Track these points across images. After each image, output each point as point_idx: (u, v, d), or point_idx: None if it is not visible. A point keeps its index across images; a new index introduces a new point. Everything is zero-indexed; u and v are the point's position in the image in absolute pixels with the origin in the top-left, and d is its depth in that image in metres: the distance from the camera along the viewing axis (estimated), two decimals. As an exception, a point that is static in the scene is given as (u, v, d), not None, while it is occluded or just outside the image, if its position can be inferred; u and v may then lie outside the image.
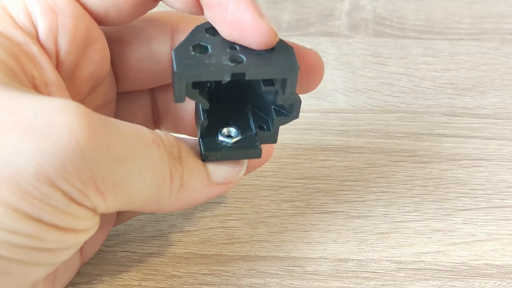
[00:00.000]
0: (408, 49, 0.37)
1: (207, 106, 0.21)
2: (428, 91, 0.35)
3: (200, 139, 0.22)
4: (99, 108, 0.24)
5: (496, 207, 0.28)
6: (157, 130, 0.22)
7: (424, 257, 0.26)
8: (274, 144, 0.24)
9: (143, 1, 0.23)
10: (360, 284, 0.25)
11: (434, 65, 0.36)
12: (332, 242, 0.27)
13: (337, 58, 0.37)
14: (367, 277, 0.25)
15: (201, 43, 0.20)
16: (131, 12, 0.23)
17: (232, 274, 0.25)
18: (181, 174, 0.21)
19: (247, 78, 0.20)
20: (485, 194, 0.29)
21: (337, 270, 0.25)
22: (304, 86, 0.23)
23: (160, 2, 0.23)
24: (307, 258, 0.26)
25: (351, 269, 0.25)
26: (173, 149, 0.21)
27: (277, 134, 0.23)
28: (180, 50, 0.20)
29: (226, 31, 0.20)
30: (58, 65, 0.22)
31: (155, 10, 0.24)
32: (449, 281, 0.25)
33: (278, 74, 0.20)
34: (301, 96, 0.22)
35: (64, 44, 0.22)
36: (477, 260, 0.26)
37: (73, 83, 0.23)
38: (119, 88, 0.25)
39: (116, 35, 0.25)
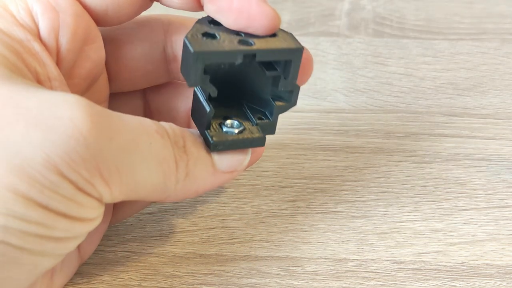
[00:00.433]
0: (408, 49, 0.37)
1: (215, 93, 0.22)
2: (428, 91, 0.35)
3: (206, 131, 0.22)
4: None
5: (496, 207, 0.28)
6: (161, 122, 0.22)
7: (424, 257, 0.26)
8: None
9: (141, 1, 0.23)
10: (360, 284, 0.25)
11: (434, 65, 0.36)
12: (332, 242, 0.27)
13: (337, 58, 0.37)
14: (367, 277, 0.25)
15: (208, 32, 0.21)
16: (129, 11, 0.23)
17: (232, 274, 0.25)
18: (186, 163, 0.22)
19: (257, 59, 0.21)
20: (485, 194, 0.29)
21: (337, 270, 0.25)
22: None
23: (154, 4, 0.24)
24: (307, 258, 0.26)
25: (351, 269, 0.25)
26: (178, 139, 0.22)
27: (276, 124, 0.23)
28: (191, 37, 0.21)
29: (232, 20, 0.21)
30: (58, 62, 0.22)
31: (147, 12, 0.25)
32: (449, 281, 0.25)
33: (286, 55, 0.21)
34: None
35: (64, 42, 0.22)
36: (477, 260, 0.26)
37: (71, 81, 0.23)
38: (112, 89, 0.26)
39: (110, 35, 0.25)
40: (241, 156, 0.23)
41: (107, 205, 0.22)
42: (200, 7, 0.23)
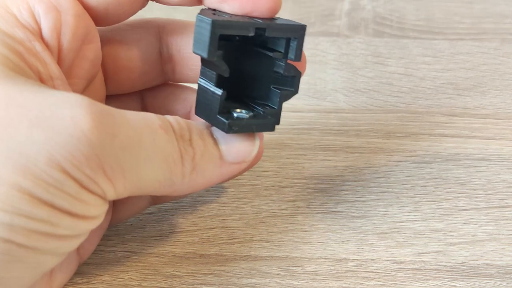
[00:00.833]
0: (408, 49, 0.37)
1: (227, 72, 0.22)
2: (428, 91, 0.35)
3: (219, 115, 0.22)
4: None
5: (496, 207, 0.28)
6: (166, 115, 0.22)
7: (424, 257, 0.26)
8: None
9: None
10: (360, 284, 0.25)
11: (434, 65, 0.36)
12: (332, 242, 0.27)
13: (337, 58, 0.37)
14: (367, 277, 0.25)
15: (217, 13, 0.22)
16: (128, 9, 0.24)
17: (232, 274, 0.25)
18: (192, 156, 0.22)
19: (267, 34, 0.21)
20: (485, 194, 0.29)
21: (337, 270, 0.25)
22: None
23: (149, 6, 0.24)
24: (307, 258, 0.26)
25: (351, 269, 0.25)
26: (184, 132, 0.22)
27: (281, 113, 0.23)
28: (203, 13, 0.21)
29: (238, 5, 0.22)
30: (58, 61, 0.22)
31: (142, 13, 0.25)
32: (449, 281, 0.25)
33: (291, 31, 0.22)
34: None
35: (65, 42, 0.22)
36: (477, 260, 0.26)
37: (69, 81, 0.23)
38: (109, 90, 0.26)
39: (107, 36, 0.25)
40: (249, 146, 0.23)
41: None
42: (198, 1, 0.23)
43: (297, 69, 0.23)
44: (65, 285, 0.24)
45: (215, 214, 0.28)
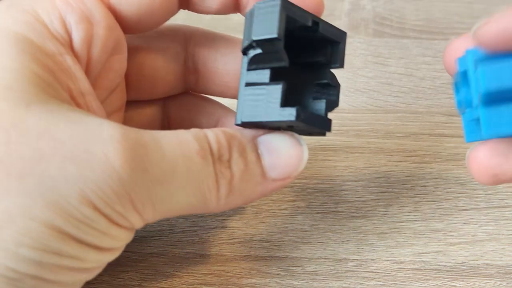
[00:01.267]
0: (408, 49, 0.37)
1: (287, 62, 0.21)
2: (428, 91, 0.35)
3: (282, 107, 0.21)
4: (107, 117, 0.24)
5: (496, 207, 0.28)
6: (209, 129, 0.21)
7: (424, 257, 0.26)
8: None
9: (172, 8, 0.23)
10: (360, 284, 0.25)
11: (434, 65, 0.36)
12: (332, 242, 0.27)
13: (337, 58, 0.37)
14: (367, 277, 0.25)
15: None
16: (160, 19, 0.23)
17: (232, 274, 0.25)
18: (229, 180, 0.21)
19: (320, 29, 0.22)
20: (485, 194, 0.29)
21: (337, 270, 0.25)
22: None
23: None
24: (307, 258, 0.26)
25: (351, 269, 0.25)
26: (223, 153, 0.21)
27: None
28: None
29: None
30: (86, 73, 0.22)
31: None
32: (449, 281, 0.25)
33: (338, 35, 0.23)
34: None
35: (95, 54, 0.22)
36: (477, 260, 0.26)
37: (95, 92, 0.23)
38: (129, 97, 0.25)
39: (133, 43, 0.25)
40: (296, 159, 0.22)
41: None
42: (237, 9, 0.23)
43: (337, 80, 0.23)
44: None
45: (215, 214, 0.28)
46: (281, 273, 0.25)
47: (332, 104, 0.23)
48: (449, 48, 0.21)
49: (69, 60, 0.21)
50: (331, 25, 0.22)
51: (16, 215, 0.17)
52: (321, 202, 0.28)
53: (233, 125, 0.22)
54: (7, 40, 0.19)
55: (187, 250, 0.26)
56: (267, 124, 0.21)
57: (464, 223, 0.27)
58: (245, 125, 0.22)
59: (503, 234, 0.27)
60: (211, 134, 0.21)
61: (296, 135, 0.22)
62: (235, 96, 0.25)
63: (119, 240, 0.20)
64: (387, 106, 0.34)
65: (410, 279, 0.25)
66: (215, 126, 0.26)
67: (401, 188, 0.29)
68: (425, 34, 0.39)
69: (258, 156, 0.22)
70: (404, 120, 0.33)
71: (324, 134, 0.23)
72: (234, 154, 0.21)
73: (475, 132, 0.20)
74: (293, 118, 0.20)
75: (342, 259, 0.26)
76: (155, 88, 0.26)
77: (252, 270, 0.25)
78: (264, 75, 0.21)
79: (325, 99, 0.23)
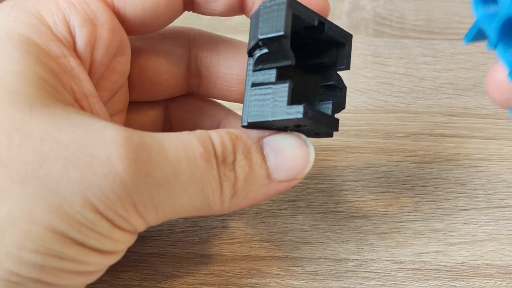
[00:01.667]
0: (408, 49, 0.37)
1: (294, 60, 0.21)
2: (428, 91, 0.35)
3: (289, 105, 0.21)
4: (110, 118, 0.24)
5: (496, 207, 0.28)
6: (214, 130, 0.21)
7: (424, 257, 0.26)
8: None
9: (177, 10, 0.23)
10: (360, 284, 0.25)
11: (434, 65, 0.36)
12: (332, 242, 0.27)
13: (337, 58, 0.37)
14: (367, 277, 0.25)
15: None
16: (164, 21, 0.23)
17: (232, 274, 0.25)
18: (233, 183, 0.21)
19: (326, 29, 0.22)
20: (485, 194, 0.29)
21: (337, 270, 0.25)
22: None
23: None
24: (307, 258, 0.26)
25: (351, 269, 0.25)
26: (227, 155, 0.21)
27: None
28: None
29: None
30: (90, 76, 0.22)
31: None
32: (449, 281, 0.25)
33: (343, 36, 0.23)
34: None
35: (99, 56, 0.22)
36: (477, 260, 0.26)
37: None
38: (131, 98, 0.25)
39: (137, 45, 0.25)
40: (302, 161, 0.22)
41: None
42: (242, 11, 0.23)
43: (343, 82, 0.23)
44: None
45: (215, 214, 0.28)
46: (281, 273, 0.25)
47: (339, 106, 0.23)
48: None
49: (72, 62, 0.20)
50: (336, 26, 0.22)
51: (18, 219, 0.17)
52: (321, 202, 0.28)
53: (235, 127, 0.22)
54: (12, 42, 0.19)
55: (187, 250, 0.26)
56: (274, 124, 0.21)
57: (464, 223, 0.27)
58: (251, 126, 0.22)
59: (503, 234, 0.27)
60: (216, 135, 0.21)
61: (303, 136, 0.22)
62: (236, 100, 0.26)
63: (121, 243, 0.20)
64: (387, 106, 0.34)
65: (410, 279, 0.25)
66: (216, 128, 0.26)
67: (401, 188, 0.29)
68: (425, 34, 0.39)
69: (263, 157, 0.21)
70: (404, 120, 0.33)
71: (331, 135, 0.23)
72: (238, 156, 0.21)
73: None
74: (300, 115, 0.20)
75: (342, 259, 0.26)
76: (157, 90, 0.25)
77: (252, 270, 0.25)
78: (270, 75, 0.21)
79: (331, 101, 0.23)
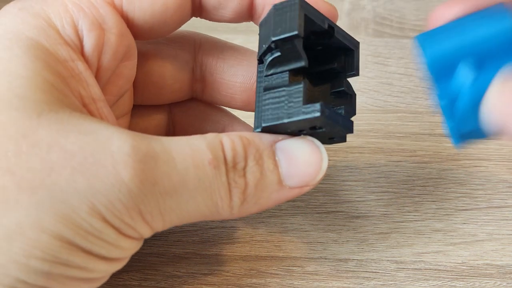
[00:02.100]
0: (408, 49, 0.37)
1: (306, 61, 0.21)
2: (428, 91, 0.35)
3: (305, 105, 0.20)
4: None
5: (496, 207, 0.28)
6: (226, 134, 0.21)
7: (424, 257, 0.26)
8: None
9: (185, 16, 0.23)
10: (360, 284, 0.25)
11: (434, 65, 0.36)
12: (332, 242, 0.27)
13: (337, 58, 0.37)
14: (367, 277, 0.25)
15: None
16: (172, 27, 0.23)
17: (232, 274, 0.25)
18: (242, 189, 0.20)
19: (335, 34, 0.22)
20: (485, 194, 0.29)
21: (337, 270, 0.25)
22: None
23: None
24: (307, 258, 0.26)
25: (351, 269, 0.25)
26: (238, 161, 0.20)
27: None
28: None
29: None
30: (97, 80, 0.22)
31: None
32: (449, 281, 0.25)
33: (351, 43, 0.23)
34: None
35: (106, 61, 0.22)
36: (477, 260, 0.26)
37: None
38: (135, 101, 0.25)
39: (142, 49, 0.25)
40: (315, 167, 0.21)
41: None
42: (251, 18, 0.23)
43: (353, 88, 0.23)
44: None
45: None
46: (281, 273, 0.25)
47: (350, 112, 0.23)
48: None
49: (80, 66, 0.20)
50: (344, 31, 0.22)
51: (26, 227, 0.18)
52: (321, 202, 0.28)
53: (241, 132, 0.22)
54: (20, 46, 0.19)
55: (187, 250, 0.26)
56: (289, 127, 0.21)
57: (464, 223, 0.27)
58: (265, 131, 0.21)
59: (503, 234, 0.27)
60: (227, 140, 0.20)
61: (316, 141, 0.22)
62: (240, 108, 0.26)
63: (127, 250, 0.20)
64: (387, 106, 0.34)
65: (410, 279, 0.25)
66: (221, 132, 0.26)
67: (401, 188, 0.29)
68: (425, 34, 0.39)
69: (275, 163, 0.21)
70: (404, 120, 0.33)
71: (344, 139, 0.23)
72: (250, 162, 0.20)
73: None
74: (318, 113, 0.20)
75: (342, 259, 0.26)
76: (161, 94, 0.25)
77: (252, 270, 0.25)
78: (283, 78, 0.21)
79: (342, 107, 0.23)
